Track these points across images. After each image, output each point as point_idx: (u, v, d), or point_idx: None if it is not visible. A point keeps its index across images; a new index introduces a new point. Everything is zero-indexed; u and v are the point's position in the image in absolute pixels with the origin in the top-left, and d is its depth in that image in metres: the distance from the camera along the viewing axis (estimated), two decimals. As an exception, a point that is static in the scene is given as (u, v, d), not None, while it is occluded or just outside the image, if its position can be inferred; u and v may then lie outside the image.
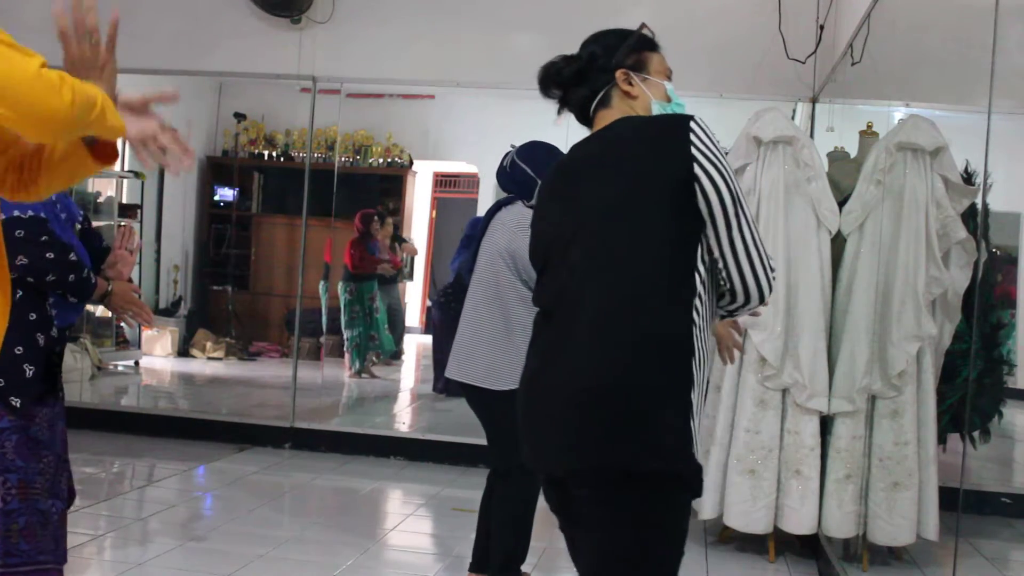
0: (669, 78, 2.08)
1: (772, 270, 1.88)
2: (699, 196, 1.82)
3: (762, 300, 1.89)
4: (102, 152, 1.64)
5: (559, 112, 2.13)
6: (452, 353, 3.52)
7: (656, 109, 2.01)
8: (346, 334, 8.51)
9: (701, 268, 1.84)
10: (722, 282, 1.89)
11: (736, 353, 2.58)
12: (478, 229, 3.61)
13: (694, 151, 1.83)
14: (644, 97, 2.02)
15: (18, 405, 2.38)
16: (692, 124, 1.87)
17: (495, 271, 3.43)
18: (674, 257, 1.83)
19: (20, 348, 2.39)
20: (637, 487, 1.80)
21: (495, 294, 3.42)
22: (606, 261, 1.86)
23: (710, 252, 1.87)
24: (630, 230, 1.85)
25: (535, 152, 3.52)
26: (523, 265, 3.37)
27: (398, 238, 9.64)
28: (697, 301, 1.83)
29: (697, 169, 1.82)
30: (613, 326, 1.83)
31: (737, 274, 1.85)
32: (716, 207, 1.82)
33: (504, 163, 3.56)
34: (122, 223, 8.38)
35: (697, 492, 1.85)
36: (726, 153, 1.89)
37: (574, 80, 2.06)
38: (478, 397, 3.45)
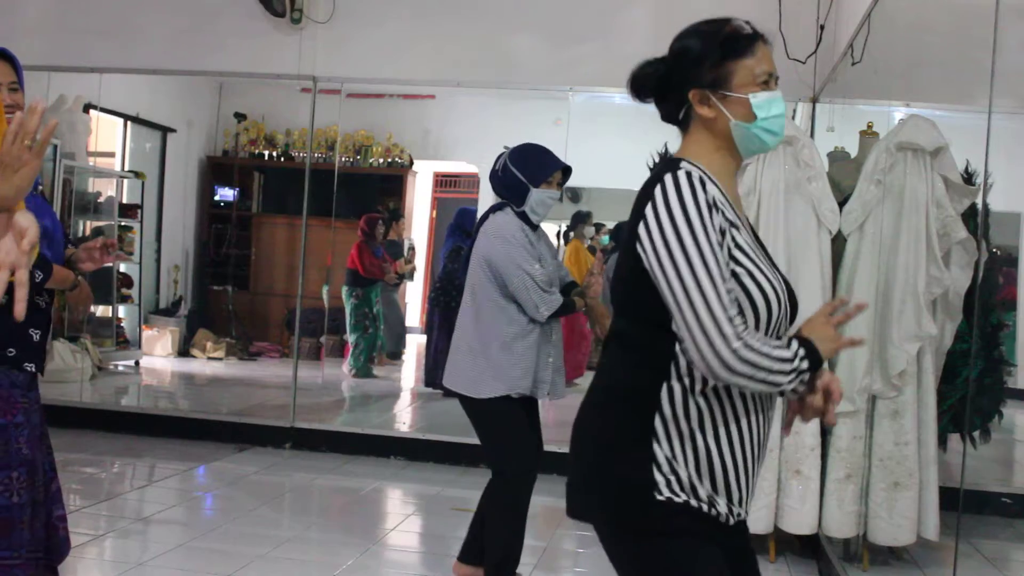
0: (767, 82, 1.74)
1: (725, 342, 1.58)
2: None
3: (714, 375, 1.61)
4: None
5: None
6: (448, 358, 3.54)
7: (737, 134, 1.75)
8: (351, 338, 8.51)
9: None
10: None
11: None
12: (466, 220, 3.59)
13: (640, 224, 1.66)
14: (722, 119, 1.74)
15: (33, 370, 2.49)
16: (656, 189, 1.66)
17: (476, 279, 3.42)
18: (639, 320, 1.75)
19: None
20: (613, 532, 1.78)
21: (474, 303, 3.42)
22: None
23: None
24: (614, 288, 1.82)
25: (527, 156, 3.45)
26: (499, 274, 3.35)
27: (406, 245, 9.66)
28: (670, 360, 1.70)
29: (638, 245, 1.67)
30: (596, 379, 1.86)
31: (691, 344, 1.61)
32: (657, 276, 1.65)
33: (496, 166, 3.49)
34: (122, 222, 8.37)
35: (660, 539, 1.71)
36: (709, 206, 1.64)
37: (658, 91, 1.79)
38: (464, 403, 3.47)
